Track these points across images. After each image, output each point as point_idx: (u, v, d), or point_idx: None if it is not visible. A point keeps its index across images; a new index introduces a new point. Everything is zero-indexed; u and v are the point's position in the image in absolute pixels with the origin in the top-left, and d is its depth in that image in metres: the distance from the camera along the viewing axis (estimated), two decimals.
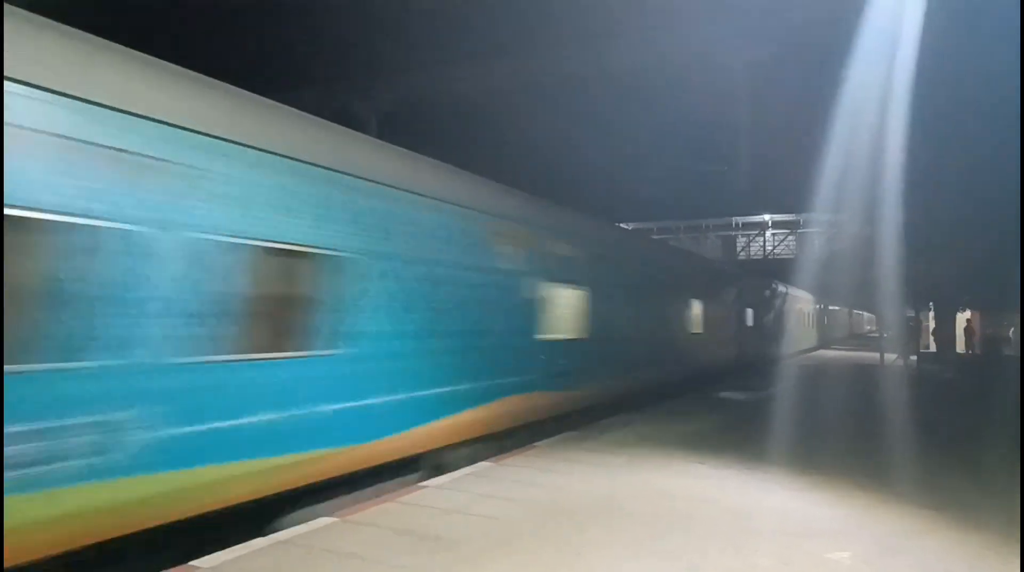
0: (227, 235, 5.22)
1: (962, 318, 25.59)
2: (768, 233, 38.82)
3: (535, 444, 9.16)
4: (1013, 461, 7.88)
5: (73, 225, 4.24)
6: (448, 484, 6.96)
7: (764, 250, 38.65)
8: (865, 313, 68.75)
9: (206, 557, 4.81)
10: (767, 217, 37.21)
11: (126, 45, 5.04)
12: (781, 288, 28.85)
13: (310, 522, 5.65)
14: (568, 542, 5.17)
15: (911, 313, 27.49)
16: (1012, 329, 21.48)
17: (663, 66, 21.57)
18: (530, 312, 9.60)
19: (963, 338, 22.87)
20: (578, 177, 25.75)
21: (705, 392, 15.81)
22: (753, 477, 7.43)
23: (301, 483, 5.87)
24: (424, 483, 7.00)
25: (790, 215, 36.07)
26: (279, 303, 5.87)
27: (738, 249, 39.26)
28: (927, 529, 5.69)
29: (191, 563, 4.71)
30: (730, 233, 39.41)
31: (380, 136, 14.24)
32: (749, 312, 23.91)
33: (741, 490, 6.88)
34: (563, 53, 22.32)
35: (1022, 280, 10.36)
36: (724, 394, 15.77)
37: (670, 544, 5.16)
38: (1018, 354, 19.83)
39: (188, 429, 4.92)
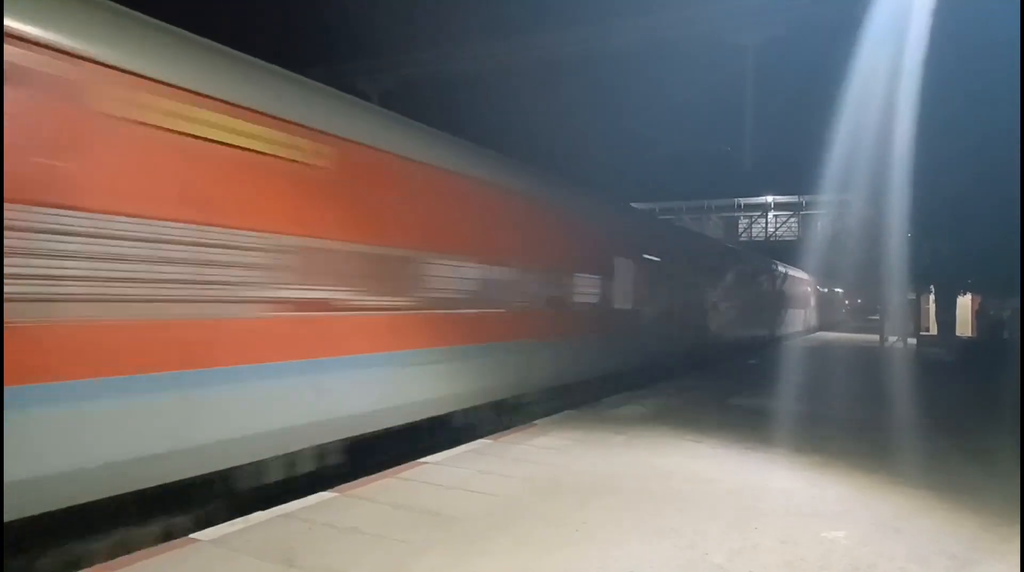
0: None
1: (963, 301, 25.56)
2: (770, 214, 38.60)
3: (535, 422, 9.18)
4: (1011, 443, 7.90)
5: None
6: (447, 461, 6.99)
7: (766, 232, 38.50)
8: (864, 295, 68.73)
9: (208, 529, 4.83)
10: (769, 198, 36.79)
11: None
12: (782, 269, 28.83)
13: (311, 496, 5.67)
14: (568, 519, 5.19)
15: (912, 296, 27.44)
16: (1008, 312, 21.44)
17: (669, 46, 21.38)
18: None
19: (971, 321, 22.88)
20: (583, 156, 25.58)
21: (707, 368, 15.86)
22: (752, 457, 7.45)
23: None
24: (424, 459, 7.02)
25: (792, 197, 35.76)
26: None
27: (740, 230, 39.08)
28: (925, 509, 5.71)
29: (192, 535, 4.73)
30: (732, 214, 39.18)
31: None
32: (753, 293, 23.94)
33: (741, 470, 6.90)
34: (567, 32, 22.11)
35: (1022, 264, 10.27)
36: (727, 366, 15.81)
37: (671, 522, 5.19)
38: (1016, 337, 19.79)
39: None
